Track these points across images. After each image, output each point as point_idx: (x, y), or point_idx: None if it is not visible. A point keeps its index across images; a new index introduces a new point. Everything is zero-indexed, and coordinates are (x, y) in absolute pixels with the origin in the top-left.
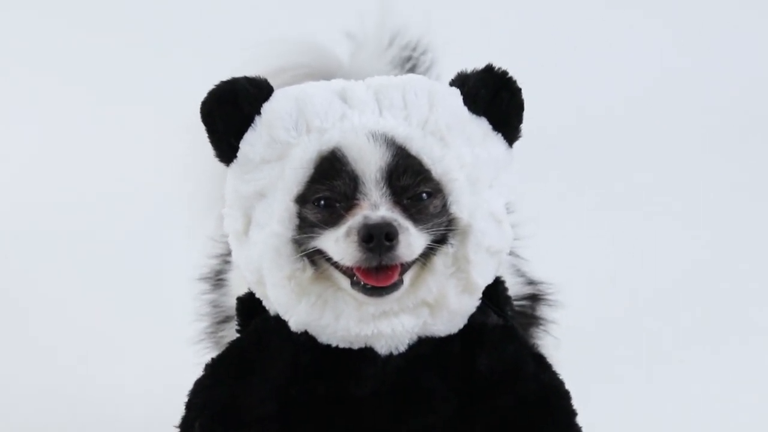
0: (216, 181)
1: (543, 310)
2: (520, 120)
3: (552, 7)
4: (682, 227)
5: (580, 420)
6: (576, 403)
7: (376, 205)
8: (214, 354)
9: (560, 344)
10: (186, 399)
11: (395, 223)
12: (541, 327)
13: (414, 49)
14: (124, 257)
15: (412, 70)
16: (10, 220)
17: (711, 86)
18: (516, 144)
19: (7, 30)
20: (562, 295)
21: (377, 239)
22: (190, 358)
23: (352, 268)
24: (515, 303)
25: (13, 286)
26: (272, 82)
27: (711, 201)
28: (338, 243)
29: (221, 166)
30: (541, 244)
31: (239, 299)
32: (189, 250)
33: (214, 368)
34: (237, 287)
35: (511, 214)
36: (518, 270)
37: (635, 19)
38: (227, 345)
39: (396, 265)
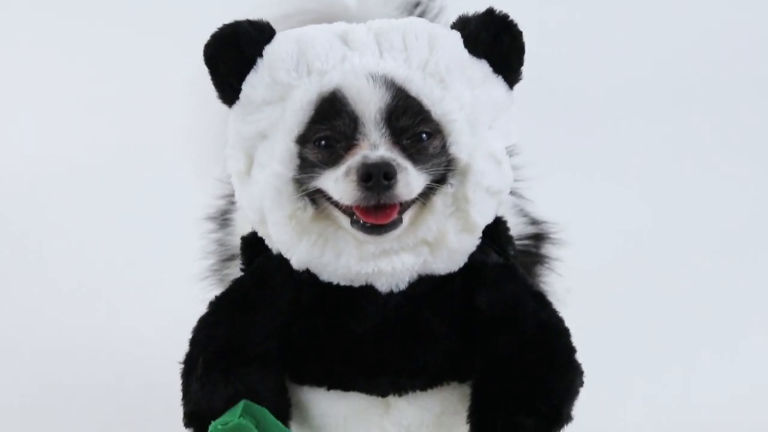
0: (223, 125)
1: (547, 249)
2: (520, 63)
3: None
4: (688, 173)
5: (579, 357)
6: (575, 341)
7: (375, 145)
8: (218, 291)
9: (571, 288)
10: (190, 335)
11: (394, 163)
12: (546, 265)
13: (419, 3)
14: (134, 197)
15: (421, 15)
16: (23, 165)
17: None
18: (525, 89)
19: None
20: (567, 233)
21: (376, 178)
22: (195, 295)
23: (351, 207)
24: (519, 242)
25: (29, 229)
26: (278, 28)
27: (724, 159)
28: (338, 182)
29: (226, 110)
30: (547, 187)
31: (243, 238)
32: (196, 192)
33: (217, 305)
34: (242, 226)
35: (514, 157)
36: (521, 210)
37: None
38: (231, 282)
39: (395, 204)
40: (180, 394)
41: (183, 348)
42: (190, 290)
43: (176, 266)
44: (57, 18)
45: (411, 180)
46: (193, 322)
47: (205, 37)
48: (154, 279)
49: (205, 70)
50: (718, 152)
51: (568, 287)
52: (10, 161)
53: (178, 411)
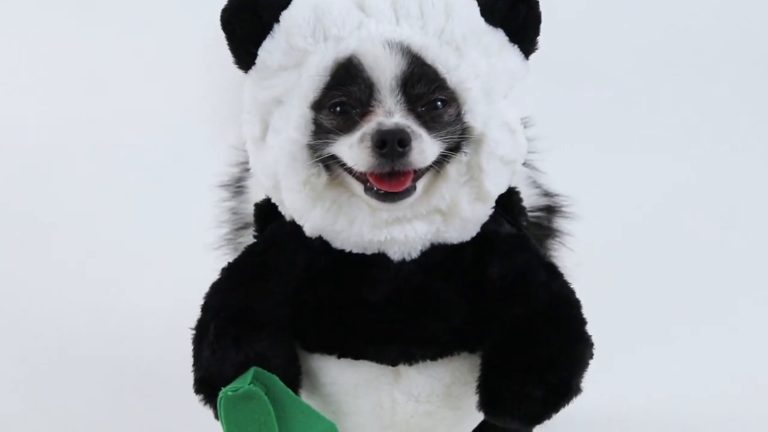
0: (238, 92)
1: (559, 222)
2: (537, 32)
3: None
4: (700, 146)
5: (589, 329)
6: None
7: (390, 112)
8: (231, 259)
9: (581, 262)
10: (202, 302)
11: (408, 130)
12: (557, 239)
13: None
14: (148, 166)
15: None
16: (35, 135)
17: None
18: (540, 60)
19: None
20: (578, 207)
21: (390, 145)
22: (210, 264)
23: (365, 174)
24: (531, 214)
25: (40, 198)
26: None
27: (739, 131)
28: (352, 148)
29: (243, 76)
30: (560, 159)
31: (256, 205)
32: (210, 159)
33: (230, 272)
34: (256, 194)
35: (529, 128)
36: (534, 182)
37: None
38: (244, 249)
39: (409, 171)
40: (190, 363)
41: (191, 322)
42: (200, 263)
43: (186, 238)
44: None
45: (425, 147)
46: (202, 295)
47: (222, 2)
48: (164, 252)
49: (221, 34)
50: (731, 125)
51: (578, 261)
52: (15, 129)
53: (185, 387)
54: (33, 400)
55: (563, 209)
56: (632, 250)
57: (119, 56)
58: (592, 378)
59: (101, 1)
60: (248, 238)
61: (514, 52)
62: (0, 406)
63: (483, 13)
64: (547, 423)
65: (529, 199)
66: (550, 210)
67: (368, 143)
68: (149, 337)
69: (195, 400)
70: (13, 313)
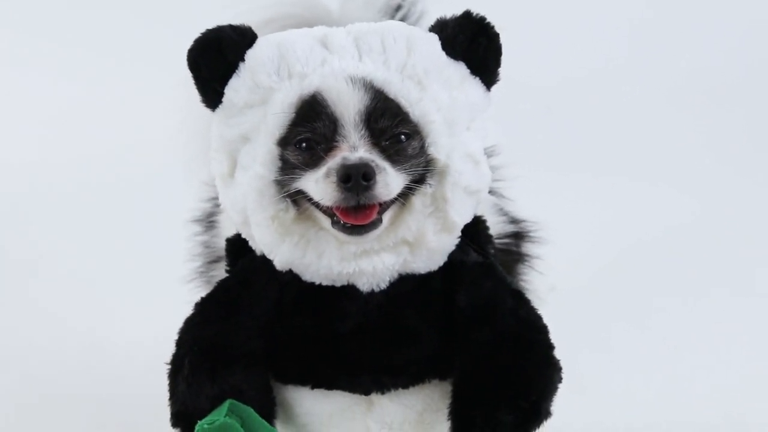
0: (208, 129)
1: (527, 247)
2: (497, 64)
3: None
4: (665, 180)
5: (558, 354)
6: (554, 338)
7: (354, 147)
8: (205, 292)
9: (554, 286)
10: (176, 336)
11: (372, 164)
12: (527, 263)
13: (400, 6)
14: (125, 201)
15: (403, 19)
16: (13, 176)
17: (702, 45)
18: (506, 88)
19: None
20: (546, 232)
21: (355, 179)
22: (183, 297)
23: (332, 208)
24: (499, 241)
25: (24, 235)
26: (261, 33)
27: (697, 155)
28: (318, 183)
29: (210, 114)
30: (530, 188)
31: (228, 240)
32: (183, 196)
33: (203, 307)
34: (227, 229)
35: (494, 157)
36: (501, 209)
37: None
38: (216, 284)
39: (374, 205)
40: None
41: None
42: (181, 293)
43: (167, 269)
44: (63, 22)
45: (390, 181)
46: (179, 324)
47: (190, 42)
48: (146, 282)
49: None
50: (704, 147)
51: (551, 285)
52: (12, 163)
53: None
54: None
55: (531, 234)
56: (602, 275)
57: (92, 96)
58: (567, 402)
59: (75, 43)
60: (220, 271)
61: (475, 84)
62: None
63: (444, 47)
64: None
65: (496, 226)
66: (518, 236)
67: (333, 178)
68: (132, 373)
69: None
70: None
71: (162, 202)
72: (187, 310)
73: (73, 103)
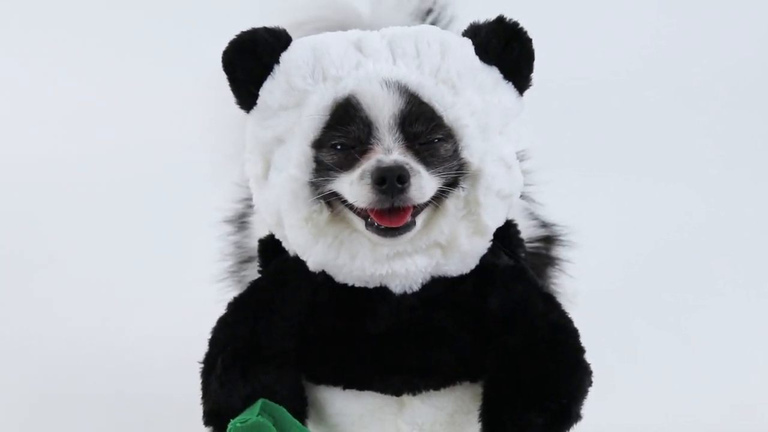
0: (240, 130)
1: (558, 251)
2: (530, 69)
3: None
4: (687, 181)
5: (588, 357)
6: (585, 341)
7: (389, 150)
8: (235, 292)
9: (579, 291)
10: (209, 336)
11: (407, 167)
12: (557, 267)
13: (435, 2)
14: (154, 203)
15: (433, 23)
16: (37, 170)
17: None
18: (537, 92)
19: None
20: (576, 236)
21: (389, 182)
22: (213, 296)
23: (366, 210)
24: (530, 245)
25: (45, 231)
26: (293, 35)
27: (720, 155)
28: (353, 185)
29: (244, 115)
30: (557, 191)
31: (261, 241)
32: (214, 196)
33: (236, 306)
34: (259, 229)
35: (525, 161)
36: (531, 213)
37: None
38: (249, 284)
39: (408, 207)
40: (199, 396)
41: (191, 348)
42: (201, 292)
43: (178, 267)
44: (76, 18)
45: (424, 183)
46: (203, 323)
47: (224, 43)
48: (157, 280)
49: (223, 75)
50: (728, 152)
51: (575, 291)
52: (25, 162)
53: (186, 413)
54: (33, 425)
55: (561, 238)
56: (633, 275)
57: (121, 93)
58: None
59: (105, 38)
60: (251, 271)
61: (508, 89)
62: None
63: (477, 52)
64: None
65: (527, 230)
66: (549, 240)
67: (368, 180)
68: (152, 373)
69: None
70: (15, 340)
71: (173, 201)
72: (216, 309)
73: (83, 101)
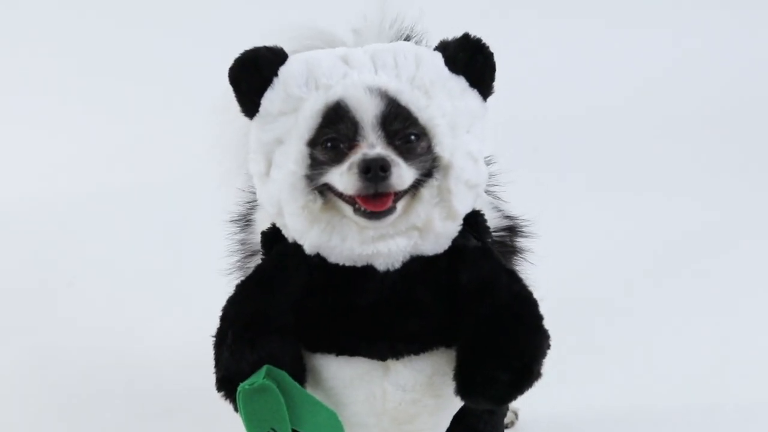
0: (241, 145)
1: (520, 241)
2: (492, 79)
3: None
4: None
5: (546, 324)
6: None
7: (373, 145)
8: None
9: (543, 298)
10: (221, 312)
11: (388, 159)
12: (519, 256)
13: (408, 38)
14: (168, 208)
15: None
16: (53, 179)
17: (700, 75)
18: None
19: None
20: (536, 227)
21: (374, 171)
22: (223, 287)
23: (354, 197)
24: (495, 234)
25: (66, 247)
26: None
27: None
28: (342, 176)
29: (245, 132)
30: (520, 190)
31: (263, 233)
32: (221, 201)
33: (243, 287)
34: (261, 226)
35: (491, 165)
36: (496, 207)
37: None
38: (254, 267)
39: (390, 193)
40: (212, 366)
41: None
42: (214, 297)
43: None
44: (85, 42)
45: (403, 173)
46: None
47: (229, 62)
48: (176, 292)
49: (228, 92)
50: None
51: (540, 297)
52: (49, 173)
53: (197, 412)
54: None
55: (523, 229)
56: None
57: (143, 119)
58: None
59: (115, 65)
60: (255, 263)
61: (473, 95)
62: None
63: (447, 63)
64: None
65: (493, 221)
66: (512, 230)
67: (355, 170)
68: (160, 373)
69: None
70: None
71: (196, 213)
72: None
73: (97, 126)
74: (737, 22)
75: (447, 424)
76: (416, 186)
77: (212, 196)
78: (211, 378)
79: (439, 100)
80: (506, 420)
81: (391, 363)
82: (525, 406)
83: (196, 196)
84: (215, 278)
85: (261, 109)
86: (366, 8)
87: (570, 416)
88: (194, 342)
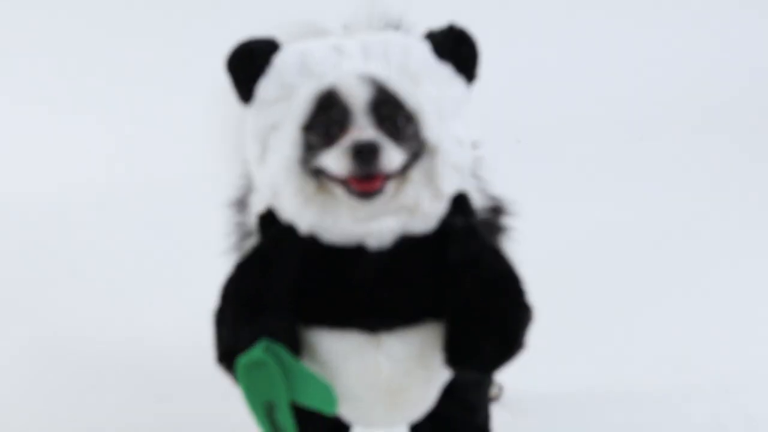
0: (236, 134)
1: (504, 220)
2: (476, 66)
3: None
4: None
5: (529, 297)
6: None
7: (363, 129)
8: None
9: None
10: (220, 291)
11: (379, 142)
12: (504, 234)
13: (397, 27)
14: (168, 199)
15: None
16: (53, 171)
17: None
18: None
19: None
20: (520, 206)
21: (365, 153)
22: (220, 267)
23: (346, 179)
24: (480, 214)
25: (65, 239)
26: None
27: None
28: (335, 159)
29: (239, 124)
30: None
31: (260, 216)
32: (218, 189)
33: (241, 266)
34: (256, 208)
35: (477, 149)
36: (482, 189)
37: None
38: (251, 248)
39: (380, 175)
40: (213, 342)
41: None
42: (206, 293)
43: (192, 267)
44: (81, 40)
45: (392, 155)
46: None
47: (225, 51)
48: (173, 280)
49: (224, 83)
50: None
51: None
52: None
53: (197, 400)
54: (54, 412)
55: (507, 209)
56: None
57: (143, 111)
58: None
59: (114, 61)
60: (251, 244)
61: (459, 81)
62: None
63: (433, 52)
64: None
65: (478, 202)
66: (497, 210)
67: (347, 153)
68: (169, 357)
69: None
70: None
71: (187, 203)
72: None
73: (93, 121)
74: (730, 18)
75: (435, 394)
76: (405, 168)
77: (211, 186)
78: (211, 366)
79: (427, 86)
80: (492, 393)
81: (384, 336)
82: (512, 384)
83: (195, 186)
84: (215, 268)
85: (257, 96)
86: (356, 5)
87: (556, 392)
88: (194, 331)
